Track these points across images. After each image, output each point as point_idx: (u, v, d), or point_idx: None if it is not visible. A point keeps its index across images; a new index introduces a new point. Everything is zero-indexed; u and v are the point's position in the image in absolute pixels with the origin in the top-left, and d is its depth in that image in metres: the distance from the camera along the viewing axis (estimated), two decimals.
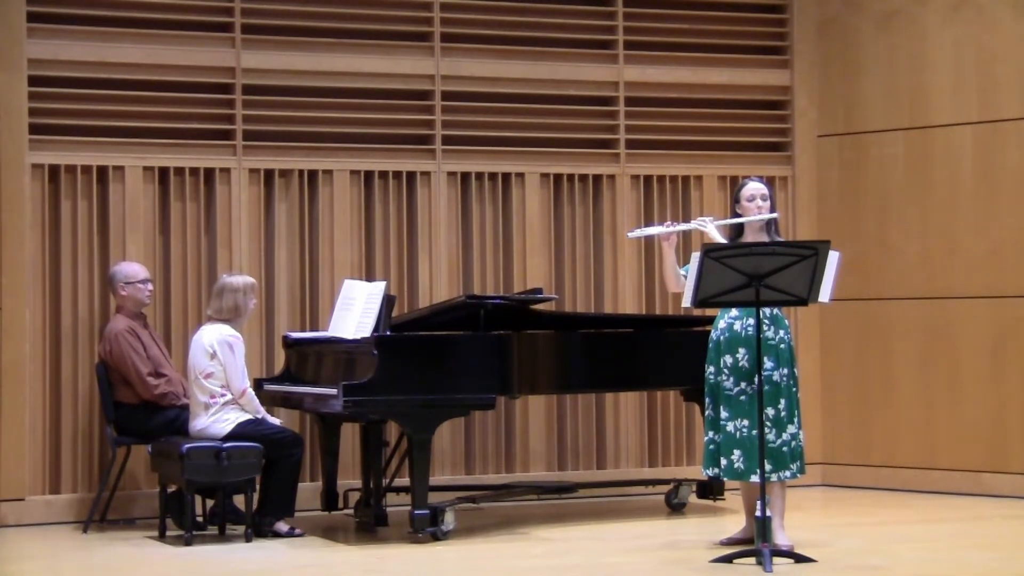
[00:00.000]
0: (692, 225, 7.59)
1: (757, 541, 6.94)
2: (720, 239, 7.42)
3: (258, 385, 8.48)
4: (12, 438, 8.55)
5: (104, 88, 8.86)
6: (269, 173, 9.11)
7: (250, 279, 8.32)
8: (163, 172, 8.92)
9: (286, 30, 9.19)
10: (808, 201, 9.98)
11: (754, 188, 7.45)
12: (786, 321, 7.43)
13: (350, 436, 8.83)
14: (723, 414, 7.29)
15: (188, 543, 7.79)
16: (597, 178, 9.68)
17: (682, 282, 7.36)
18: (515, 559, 7.48)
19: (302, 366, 8.54)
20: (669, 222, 7.67)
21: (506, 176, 9.50)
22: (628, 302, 9.63)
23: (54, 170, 8.73)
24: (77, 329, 8.72)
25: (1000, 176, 9.37)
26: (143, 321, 8.50)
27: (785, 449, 7.23)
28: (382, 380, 7.68)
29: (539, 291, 8.78)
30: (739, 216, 7.45)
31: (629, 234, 7.92)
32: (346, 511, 8.59)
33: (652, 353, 8.45)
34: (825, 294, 7.09)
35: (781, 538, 7.20)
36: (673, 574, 7.03)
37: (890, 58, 9.77)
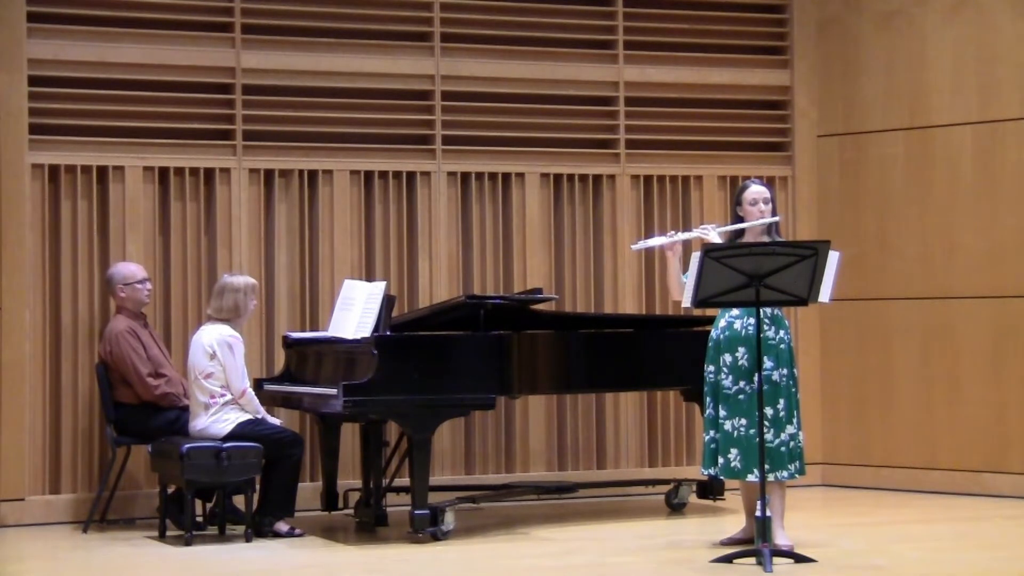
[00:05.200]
0: (695, 233, 7.56)
1: (757, 541, 6.94)
2: None
3: (258, 385, 8.48)
4: (12, 438, 8.55)
5: (104, 88, 8.86)
6: (269, 173, 9.12)
7: (251, 280, 8.32)
8: (163, 172, 8.93)
9: (286, 30, 9.20)
10: (808, 201, 9.99)
11: (756, 192, 7.43)
12: (786, 321, 7.43)
13: (350, 436, 8.83)
14: (722, 413, 7.30)
15: (188, 543, 7.79)
16: (597, 178, 9.68)
17: None
18: (515, 559, 7.48)
19: (302, 366, 8.54)
20: (671, 232, 7.64)
21: (506, 176, 9.50)
22: (628, 302, 9.63)
23: (54, 170, 8.73)
24: (77, 329, 8.72)
25: (1000, 176, 9.37)
26: (143, 321, 8.50)
27: (783, 449, 7.23)
28: (382, 380, 7.68)
29: (539, 291, 8.78)
30: (740, 218, 7.45)
31: (632, 246, 7.93)
32: (346, 511, 8.59)
33: (652, 353, 8.45)
34: (825, 294, 7.09)
35: (781, 538, 7.20)
36: (673, 574, 7.03)
37: (890, 58, 9.77)
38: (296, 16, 9.21)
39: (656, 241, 7.68)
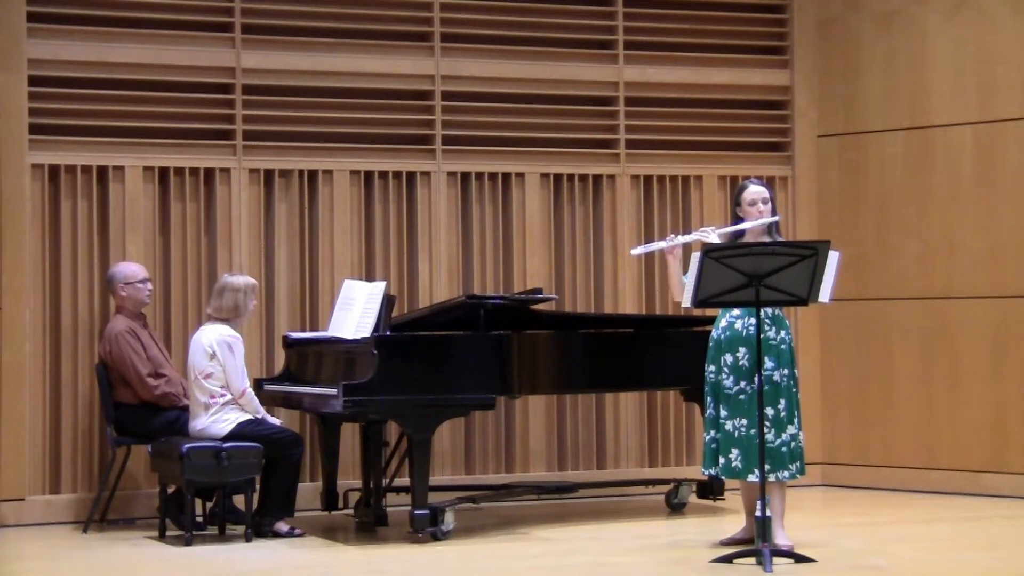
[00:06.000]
0: (694, 236, 7.55)
1: (757, 541, 6.94)
2: None
3: (258, 385, 8.49)
4: (12, 438, 8.55)
5: (104, 88, 8.86)
6: (269, 173, 9.12)
7: (251, 280, 8.32)
8: (163, 172, 8.93)
9: (286, 30, 9.20)
10: (808, 201, 9.99)
11: (755, 192, 7.43)
12: (787, 321, 7.42)
13: (350, 436, 8.83)
14: (722, 413, 7.30)
15: (188, 543, 7.79)
16: (597, 178, 9.69)
17: None
18: (515, 559, 7.48)
19: (302, 366, 8.54)
20: (671, 235, 7.64)
21: (506, 176, 9.50)
22: (628, 302, 9.63)
23: (54, 170, 8.73)
24: (77, 329, 8.72)
25: (1000, 176, 9.37)
26: (143, 321, 8.50)
27: (784, 449, 7.23)
28: (382, 380, 7.68)
29: (539, 291, 8.77)
30: (740, 218, 7.44)
31: (632, 252, 7.93)
32: (346, 511, 8.59)
33: (652, 353, 8.45)
34: (825, 294, 7.09)
35: (781, 538, 7.20)
36: (673, 574, 7.04)
37: (890, 58, 9.77)
38: (296, 16, 9.21)
39: (656, 246, 7.68)
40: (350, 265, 9.15)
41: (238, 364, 8.05)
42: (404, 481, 8.27)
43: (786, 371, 7.29)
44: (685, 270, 7.38)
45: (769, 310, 7.27)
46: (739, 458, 7.22)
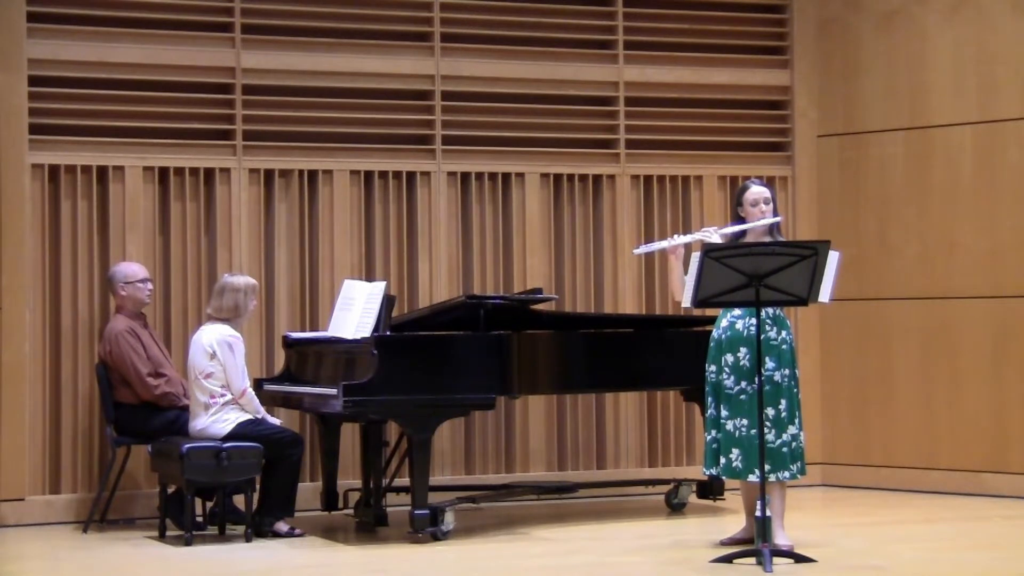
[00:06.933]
0: (696, 236, 7.56)
1: (757, 541, 6.94)
2: None
3: (258, 385, 8.48)
4: (12, 438, 8.55)
5: (104, 88, 8.86)
6: (269, 173, 9.12)
7: (252, 280, 8.32)
8: (163, 172, 8.93)
9: (286, 30, 9.20)
10: (808, 201, 9.99)
11: (757, 192, 7.43)
12: (788, 322, 7.42)
13: (350, 436, 8.83)
14: (723, 413, 7.30)
15: (188, 543, 7.79)
16: (597, 178, 9.69)
17: None
18: (515, 559, 7.48)
19: (302, 366, 8.54)
20: (673, 235, 7.64)
21: (506, 176, 9.51)
22: (628, 302, 9.63)
23: (54, 170, 8.74)
24: (77, 329, 8.72)
25: (1000, 176, 9.37)
26: (143, 321, 8.50)
27: (785, 450, 7.23)
28: (382, 380, 7.68)
29: (539, 291, 8.77)
30: (741, 219, 7.44)
31: (634, 251, 7.95)
32: (346, 511, 8.59)
33: (652, 353, 8.44)
34: (825, 294, 7.09)
35: (781, 538, 7.20)
36: (673, 574, 7.03)
37: (890, 58, 9.77)
38: (296, 16, 9.21)
39: (658, 245, 7.69)
40: (350, 265, 9.16)
41: (238, 364, 8.05)
42: (404, 481, 8.27)
43: (787, 371, 7.29)
44: (687, 270, 7.38)
45: (770, 310, 7.27)
46: (740, 458, 7.22)
